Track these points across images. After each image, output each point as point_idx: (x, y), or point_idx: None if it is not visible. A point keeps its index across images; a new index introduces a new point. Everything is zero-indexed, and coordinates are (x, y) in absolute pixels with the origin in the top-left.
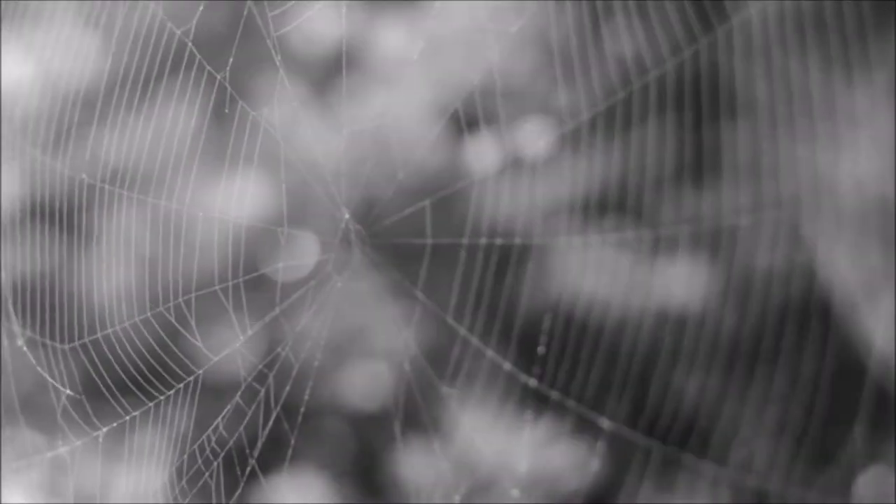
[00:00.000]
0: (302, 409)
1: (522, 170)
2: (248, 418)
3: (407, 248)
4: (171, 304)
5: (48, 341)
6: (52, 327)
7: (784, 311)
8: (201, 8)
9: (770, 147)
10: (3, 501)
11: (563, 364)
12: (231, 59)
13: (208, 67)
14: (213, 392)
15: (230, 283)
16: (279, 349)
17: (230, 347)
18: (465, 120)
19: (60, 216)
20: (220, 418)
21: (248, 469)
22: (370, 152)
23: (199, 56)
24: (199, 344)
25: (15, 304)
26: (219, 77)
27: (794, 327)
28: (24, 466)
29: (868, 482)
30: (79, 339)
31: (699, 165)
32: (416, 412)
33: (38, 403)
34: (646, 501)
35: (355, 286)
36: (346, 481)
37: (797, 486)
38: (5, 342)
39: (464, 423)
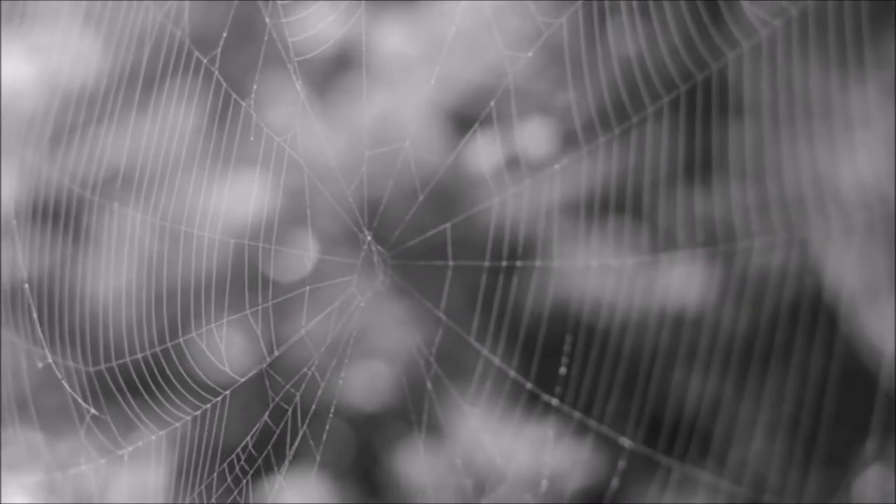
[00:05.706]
0: (326, 427)
1: (543, 184)
2: (275, 437)
3: (429, 269)
4: (203, 329)
5: (72, 363)
6: (80, 350)
7: (789, 319)
8: (225, 34)
9: (774, 151)
10: (3, 502)
11: (585, 384)
12: (255, 86)
13: (234, 96)
14: (239, 411)
15: (260, 308)
16: (305, 369)
17: (256, 368)
18: (486, 132)
19: (65, 230)
20: (248, 437)
21: (276, 487)
22: (391, 171)
23: (224, 84)
24: (227, 369)
25: (42, 326)
26: (244, 104)
27: (799, 334)
28: (46, 482)
29: (868, 482)
30: (105, 362)
31: (705, 171)
32: (436, 428)
33: (62, 419)
34: (654, 501)
35: (378, 305)
36: (348, 482)
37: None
38: (5, 347)
39: (484, 439)
